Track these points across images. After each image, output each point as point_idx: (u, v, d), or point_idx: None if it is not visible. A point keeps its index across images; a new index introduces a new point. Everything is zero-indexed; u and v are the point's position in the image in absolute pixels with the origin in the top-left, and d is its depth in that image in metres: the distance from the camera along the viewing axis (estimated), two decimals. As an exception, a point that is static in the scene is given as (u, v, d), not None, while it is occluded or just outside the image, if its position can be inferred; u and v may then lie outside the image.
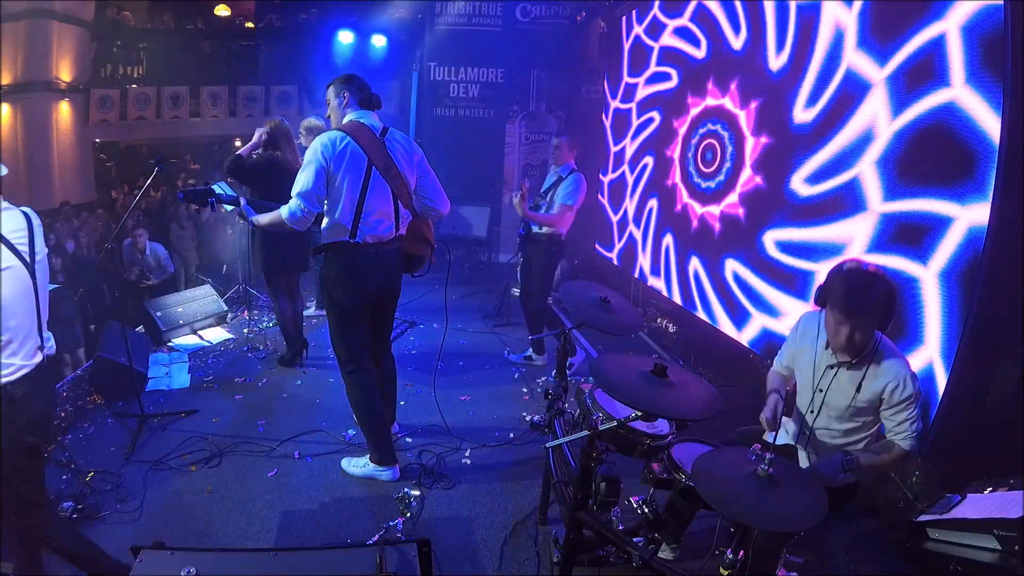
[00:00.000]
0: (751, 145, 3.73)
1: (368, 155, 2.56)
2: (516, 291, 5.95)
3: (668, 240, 4.84)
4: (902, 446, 1.91)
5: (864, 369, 1.94)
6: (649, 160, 5.24)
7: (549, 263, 4.17)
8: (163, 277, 5.95)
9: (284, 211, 2.53)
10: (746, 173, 3.77)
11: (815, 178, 3.13)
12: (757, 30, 3.68)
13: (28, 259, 1.77)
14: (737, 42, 3.91)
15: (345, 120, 2.64)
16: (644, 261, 5.33)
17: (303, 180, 2.50)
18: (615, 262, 6.14)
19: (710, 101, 4.23)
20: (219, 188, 5.32)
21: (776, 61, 3.49)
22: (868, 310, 1.85)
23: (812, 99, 3.15)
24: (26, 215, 1.82)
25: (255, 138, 3.95)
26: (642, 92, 5.40)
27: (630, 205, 5.68)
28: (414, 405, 3.54)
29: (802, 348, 2.14)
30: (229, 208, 3.13)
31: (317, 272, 2.79)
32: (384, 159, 2.60)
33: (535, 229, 4.08)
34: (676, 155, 4.73)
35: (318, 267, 2.79)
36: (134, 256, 5.90)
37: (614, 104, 6.11)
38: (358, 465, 2.88)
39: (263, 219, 2.70)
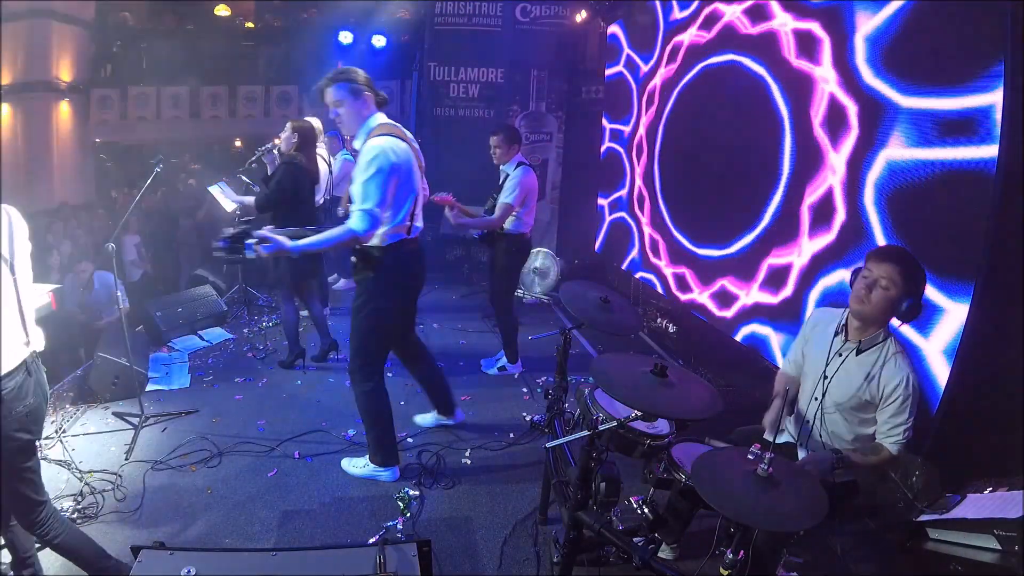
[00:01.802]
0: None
1: (415, 156, 2.65)
2: (518, 292, 5.96)
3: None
4: (890, 450, 1.92)
5: (871, 356, 1.95)
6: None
7: (511, 263, 4.02)
8: (115, 315, 4.70)
9: (357, 226, 2.42)
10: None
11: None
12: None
13: (8, 255, 1.77)
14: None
15: (374, 123, 2.56)
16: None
17: (374, 194, 2.42)
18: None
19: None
20: (219, 188, 5.34)
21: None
22: (910, 264, 1.89)
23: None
24: (5, 212, 1.81)
25: (284, 144, 3.87)
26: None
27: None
28: (414, 405, 3.54)
29: (813, 339, 2.15)
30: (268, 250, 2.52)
31: (359, 279, 2.66)
32: (420, 158, 2.71)
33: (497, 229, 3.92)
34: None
35: (360, 274, 2.67)
36: (78, 293, 5.01)
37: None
38: (358, 465, 2.88)
39: (326, 244, 2.51)
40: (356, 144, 2.59)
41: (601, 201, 6.49)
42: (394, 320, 2.78)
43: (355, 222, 2.44)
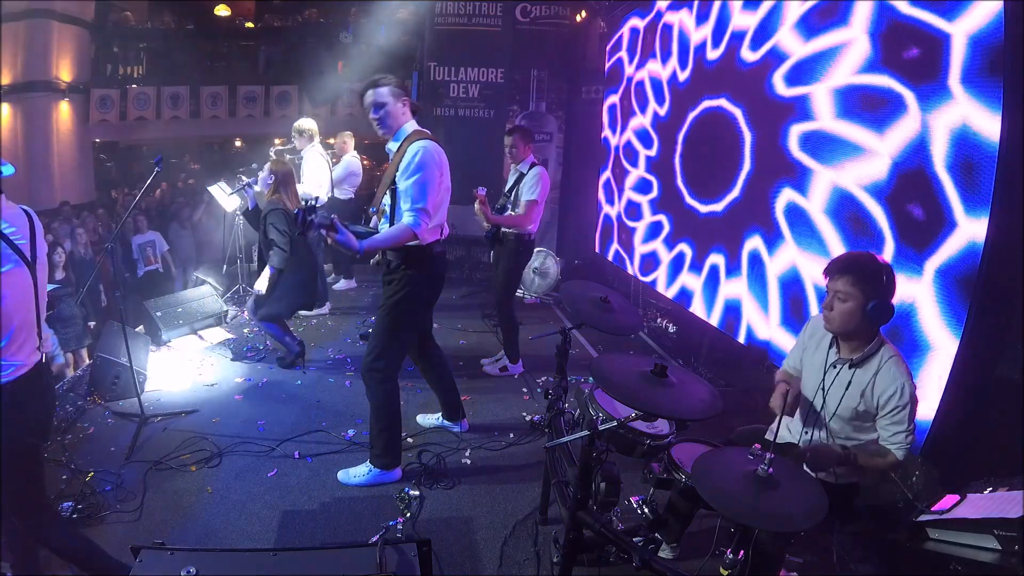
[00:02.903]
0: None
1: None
2: (518, 292, 5.95)
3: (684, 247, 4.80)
4: (896, 455, 1.91)
5: (866, 368, 1.94)
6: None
7: (516, 264, 4.06)
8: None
9: (415, 223, 2.50)
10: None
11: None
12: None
13: (30, 258, 1.77)
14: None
15: (410, 128, 2.65)
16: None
17: (426, 194, 2.52)
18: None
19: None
20: (219, 188, 5.34)
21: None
22: (859, 271, 1.88)
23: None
24: (27, 213, 1.81)
25: (261, 184, 4.03)
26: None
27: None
28: (414, 405, 3.54)
29: (810, 348, 2.14)
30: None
31: (394, 278, 2.71)
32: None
33: (503, 228, 3.98)
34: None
35: (395, 273, 2.71)
36: None
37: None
38: (359, 474, 2.85)
39: (388, 242, 2.56)
40: (391, 147, 2.68)
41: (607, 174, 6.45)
42: (419, 319, 2.88)
43: (412, 220, 2.52)
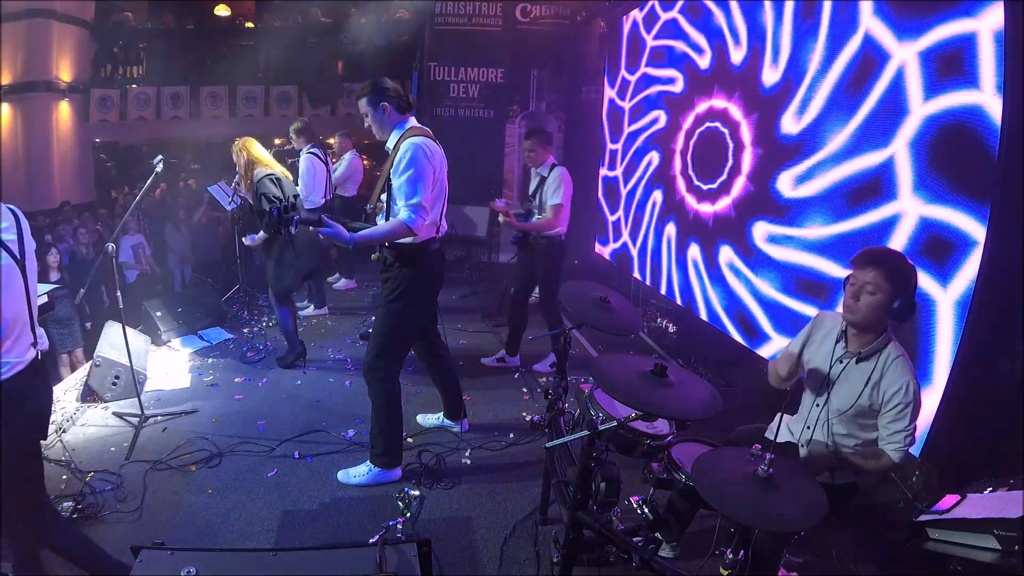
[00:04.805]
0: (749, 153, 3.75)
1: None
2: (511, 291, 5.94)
3: (670, 229, 4.83)
4: (891, 456, 1.90)
5: (872, 364, 1.93)
6: (654, 155, 5.21)
7: (555, 265, 4.06)
8: None
9: (410, 219, 2.51)
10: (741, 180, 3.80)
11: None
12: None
13: (19, 255, 1.77)
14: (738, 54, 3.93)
15: (405, 127, 2.67)
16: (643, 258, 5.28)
17: (420, 189, 2.52)
18: (610, 259, 6.14)
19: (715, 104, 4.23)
20: (218, 188, 5.35)
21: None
22: (893, 265, 1.88)
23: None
24: (13, 211, 1.82)
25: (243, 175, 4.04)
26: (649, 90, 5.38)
27: (631, 199, 5.63)
28: (414, 405, 3.54)
29: (815, 342, 2.13)
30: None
31: (390, 276, 2.72)
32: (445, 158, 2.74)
33: (532, 233, 3.98)
34: (679, 148, 4.73)
35: (391, 271, 2.71)
36: None
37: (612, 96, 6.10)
38: (359, 473, 2.85)
39: (380, 236, 2.58)
40: (388, 145, 2.70)
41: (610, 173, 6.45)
42: (418, 318, 2.85)
43: (408, 216, 2.52)
